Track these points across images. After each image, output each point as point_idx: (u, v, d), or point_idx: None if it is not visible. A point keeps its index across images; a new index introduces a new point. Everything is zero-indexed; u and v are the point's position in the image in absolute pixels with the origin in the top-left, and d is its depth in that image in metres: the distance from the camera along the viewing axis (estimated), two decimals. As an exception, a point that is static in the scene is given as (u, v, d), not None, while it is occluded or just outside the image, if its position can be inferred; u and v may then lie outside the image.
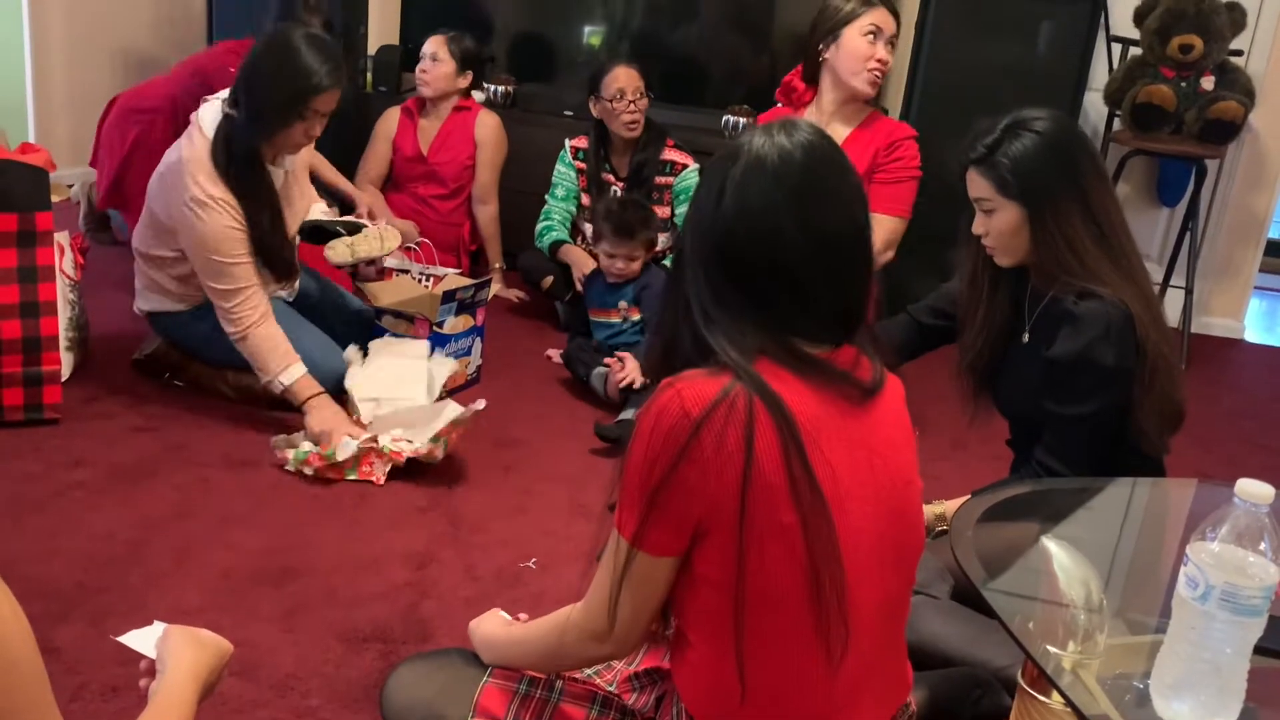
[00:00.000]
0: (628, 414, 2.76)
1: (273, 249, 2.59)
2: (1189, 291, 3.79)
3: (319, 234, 2.82)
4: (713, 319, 1.17)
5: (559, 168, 3.53)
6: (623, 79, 3.34)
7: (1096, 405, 1.80)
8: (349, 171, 3.70)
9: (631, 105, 3.33)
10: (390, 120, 3.72)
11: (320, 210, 2.91)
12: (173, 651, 1.13)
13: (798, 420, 1.12)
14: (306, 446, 2.41)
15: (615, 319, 3.13)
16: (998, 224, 1.85)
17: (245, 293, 2.52)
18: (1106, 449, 1.83)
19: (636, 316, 3.10)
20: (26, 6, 4.32)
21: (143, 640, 1.18)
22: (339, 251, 2.75)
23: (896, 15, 2.76)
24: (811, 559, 1.11)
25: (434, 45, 3.61)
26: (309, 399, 2.52)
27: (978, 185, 1.86)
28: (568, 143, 3.53)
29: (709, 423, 1.10)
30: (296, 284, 2.80)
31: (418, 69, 3.64)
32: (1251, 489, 1.00)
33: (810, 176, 1.17)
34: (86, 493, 2.22)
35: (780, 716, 1.18)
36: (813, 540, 1.11)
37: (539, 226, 3.50)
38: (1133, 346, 1.77)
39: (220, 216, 2.48)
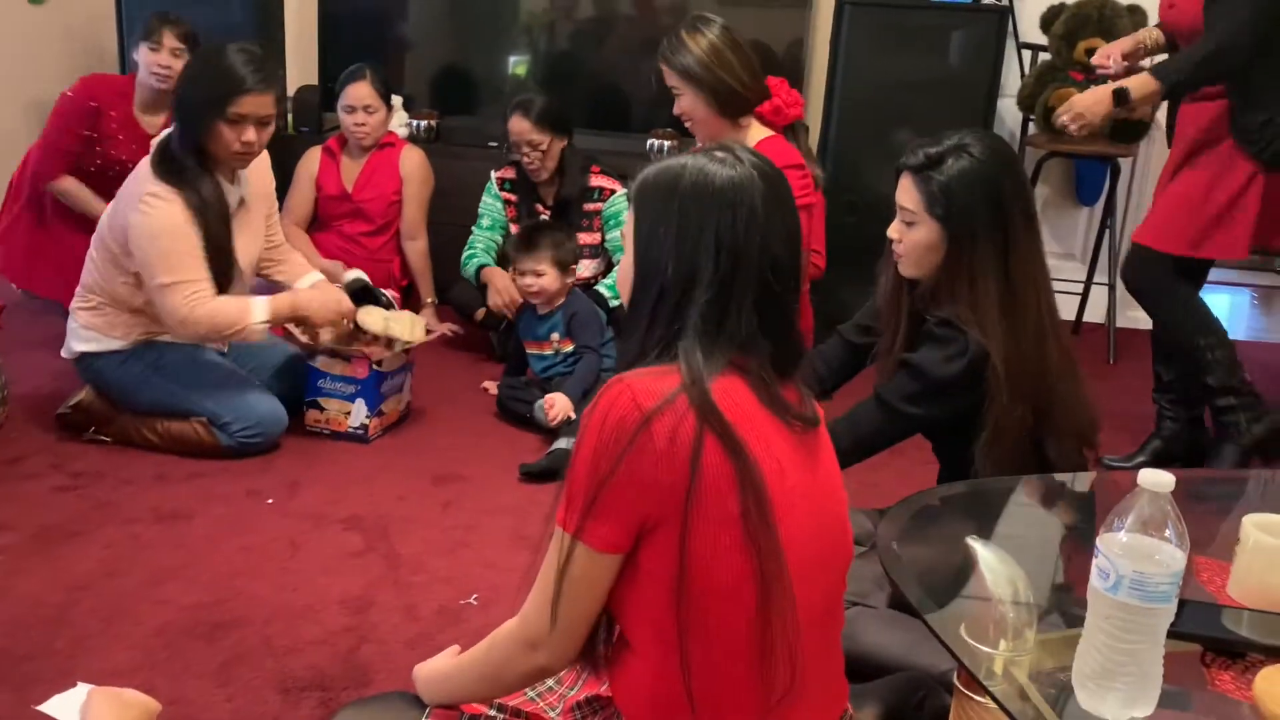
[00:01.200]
0: (560, 443, 2.75)
1: (217, 256, 2.59)
2: (1111, 288, 3.87)
3: (363, 295, 2.90)
4: (709, 335, 1.18)
5: (485, 199, 3.52)
6: (515, 130, 3.35)
7: (911, 408, 1.86)
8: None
9: (528, 152, 3.35)
10: (311, 160, 3.68)
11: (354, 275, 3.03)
12: (96, 715, 1.11)
13: (743, 424, 1.14)
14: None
15: (548, 351, 3.12)
16: (914, 237, 1.86)
17: (198, 284, 2.54)
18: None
19: (569, 348, 3.09)
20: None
21: (65, 707, 1.16)
22: (373, 319, 2.80)
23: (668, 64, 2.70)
24: (758, 551, 1.12)
25: (362, 95, 3.51)
26: (291, 306, 2.68)
27: (907, 193, 1.86)
28: (493, 175, 3.53)
29: (661, 415, 1.11)
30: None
31: (350, 122, 3.53)
32: (1153, 478, 1.02)
33: (779, 195, 1.21)
34: (10, 557, 2.16)
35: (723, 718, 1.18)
36: (759, 533, 1.12)
37: (464, 255, 3.49)
38: (971, 385, 1.80)
39: (169, 207, 2.52)
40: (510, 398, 3.05)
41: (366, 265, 3.63)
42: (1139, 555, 1.01)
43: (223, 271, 2.61)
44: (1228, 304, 4.88)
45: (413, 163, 3.67)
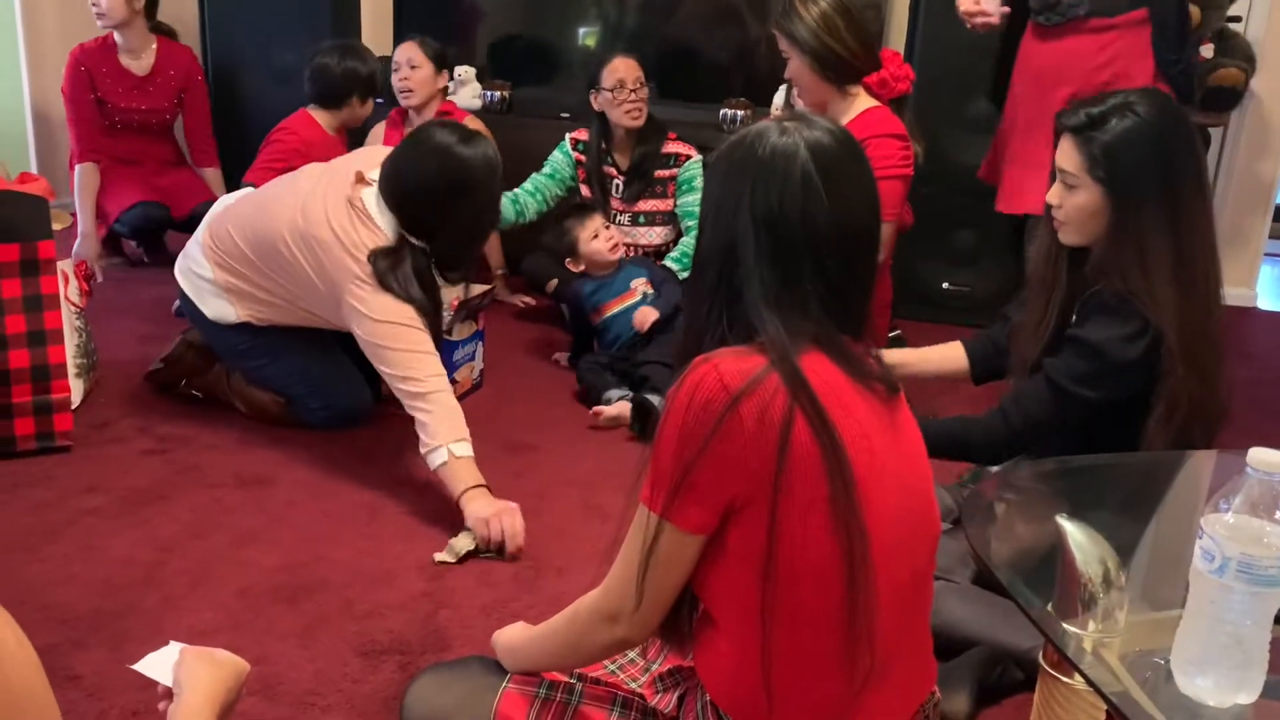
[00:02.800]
0: (613, 393, 2.79)
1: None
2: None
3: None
4: (771, 307, 1.16)
5: (555, 154, 3.52)
6: (621, 69, 3.33)
7: (1086, 391, 1.78)
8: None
9: (632, 95, 3.33)
10: (377, 135, 3.70)
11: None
12: (189, 674, 1.13)
13: (831, 401, 1.12)
14: (465, 541, 2.14)
15: (634, 299, 3.09)
16: (1075, 201, 1.77)
17: (431, 356, 2.34)
18: (1083, 445, 1.79)
19: (650, 290, 3.10)
20: (22, 33, 4.35)
21: (158, 665, 1.18)
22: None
23: None
24: (844, 529, 1.11)
25: (407, 52, 3.55)
26: (471, 488, 2.20)
27: (1067, 155, 1.77)
28: (568, 135, 3.52)
29: (749, 396, 1.10)
30: None
31: (395, 79, 3.56)
32: (1264, 457, 0.98)
33: (837, 165, 1.18)
34: (101, 518, 2.23)
35: (806, 700, 1.17)
36: (844, 510, 1.11)
37: (510, 194, 3.43)
38: (1149, 364, 1.72)
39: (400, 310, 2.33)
40: (590, 368, 3.02)
41: None
42: (1246, 537, 0.98)
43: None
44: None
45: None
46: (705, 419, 1.11)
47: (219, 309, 2.62)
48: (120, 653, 1.76)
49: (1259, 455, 0.99)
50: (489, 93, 4.08)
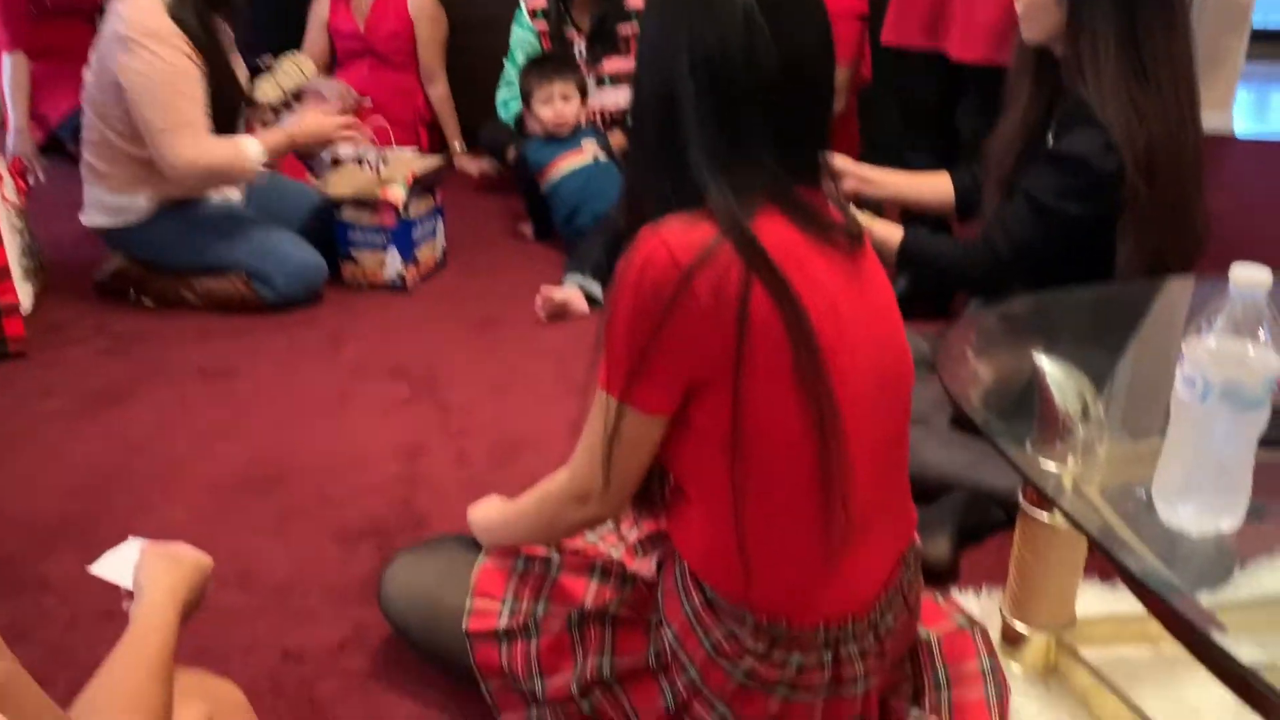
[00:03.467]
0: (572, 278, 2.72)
1: (223, 98, 2.56)
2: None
3: None
4: (717, 159, 1.07)
5: (515, 30, 3.35)
6: None
7: (1070, 206, 1.72)
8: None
9: None
10: (322, 4, 3.56)
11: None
12: (148, 574, 1.09)
13: (791, 266, 1.05)
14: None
15: (583, 159, 2.99)
16: None
17: (198, 128, 2.48)
18: (1060, 269, 1.75)
19: (603, 158, 2.99)
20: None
21: (118, 566, 1.15)
22: (265, 90, 2.79)
23: None
24: (812, 398, 1.06)
25: None
26: (286, 135, 2.60)
27: None
28: (522, 3, 3.35)
29: (702, 270, 1.02)
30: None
31: None
32: (1247, 275, 0.93)
33: (763, 8, 1.05)
34: (62, 422, 2.17)
35: (783, 565, 1.15)
36: (811, 381, 1.06)
37: (500, 96, 3.35)
38: (1123, 177, 1.67)
39: (176, 48, 2.44)
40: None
41: (391, 102, 3.52)
42: (1230, 361, 0.94)
43: (222, 112, 2.55)
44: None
45: (419, 5, 3.51)
46: (657, 298, 1.04)
47: (131, 205, 2.61)
48: (89, 555, 1.70)
49: (1242, 272, 0.94)
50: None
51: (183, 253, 2.64)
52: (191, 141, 2.46)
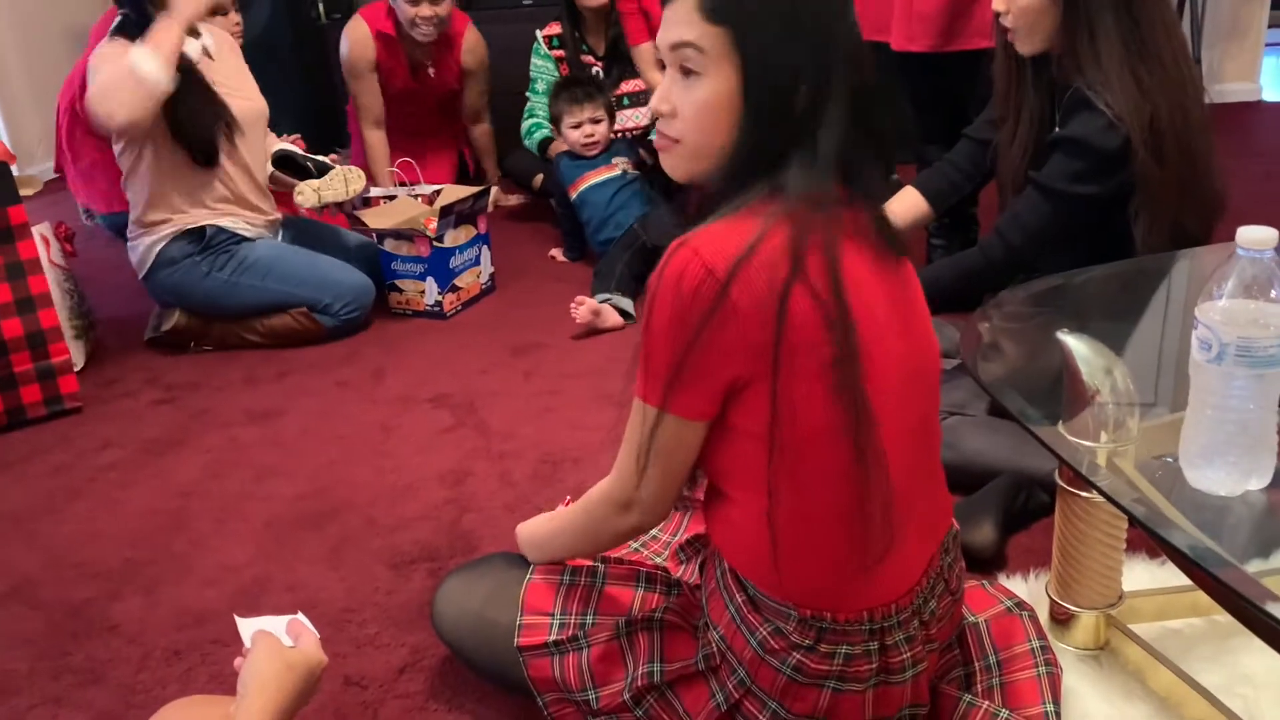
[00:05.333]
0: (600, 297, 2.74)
1: (190, 117, 2.57)
2: (1197, 61, 3.63)
3: (288, 164, 2.88)
4: (844, 150, 1.08)
5: (535, 61, 3.41)
6: None
7: (1082, 188, 1.73)
8: (312, 114, 3.61)
9: None
10: (365, 49, 3.42)
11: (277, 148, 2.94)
12: (257, 676, 1.07)
13: (841, 260, 1.07)
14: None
15: (613, 173, 3.03)
16: (1021, 3, 1.71)
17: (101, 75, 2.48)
18: (1083, 250, 1.75)
19: (632, 171, 3.03)
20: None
21: (250, 629, 1.15)
22: (306, 196, 2.79)
23: None
24: (848, 395, 1.07)
25: None
26: (167, 25, 2.50)
27: None
28: (539, 34, 3.41)
29: (738, 278, 1.04)
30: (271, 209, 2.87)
31: (414, 14, 3.28)
32: (1253, 235, 0.94)
33: None
34: (120, 472, 2.24)
35: (823, 559, 1.16)
36: (848, 378, 1.07)
37: (525, 125, 3.40)
38: (1129, 156, 1.67)
39: (114, 48, 2.49)
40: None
41: (439, 151, 3.59)
42: (1242, 320, 0.94)
43: (194, 137, 2.59)
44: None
45: (474, 54, 3.56)
46: (695, 308, 1.05)
47: (151, 240, 2.70)
48: (154, 597, 1.79)
49: (1248, 233, 0.95)
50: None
51: (239, 298, 2.73)
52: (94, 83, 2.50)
